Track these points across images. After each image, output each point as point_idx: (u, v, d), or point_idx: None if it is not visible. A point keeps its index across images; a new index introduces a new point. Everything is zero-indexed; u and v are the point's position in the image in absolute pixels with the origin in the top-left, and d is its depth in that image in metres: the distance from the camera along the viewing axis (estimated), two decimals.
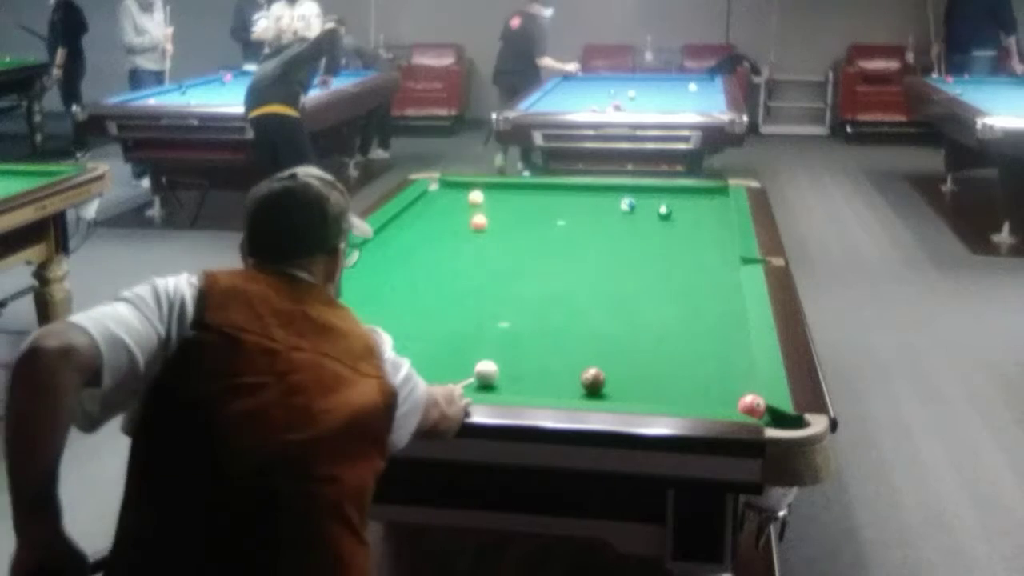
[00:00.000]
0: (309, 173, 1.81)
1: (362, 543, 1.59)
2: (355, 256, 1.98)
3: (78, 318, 1.51)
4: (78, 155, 8.68)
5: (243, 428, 1.50)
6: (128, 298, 1.57)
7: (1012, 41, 8.60)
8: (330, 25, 6.28)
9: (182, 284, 1.61)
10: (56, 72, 8.79)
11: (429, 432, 1.82)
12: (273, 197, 1.77)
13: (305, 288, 1.70)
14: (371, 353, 1.67)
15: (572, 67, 8.43)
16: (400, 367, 1.72)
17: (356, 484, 1.57)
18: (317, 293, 1.72)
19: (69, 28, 8.79)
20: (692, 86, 7.56)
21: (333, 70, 6.78)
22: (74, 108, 6.97)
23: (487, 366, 2.20)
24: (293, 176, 1.80)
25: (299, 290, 1.69)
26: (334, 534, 1.53)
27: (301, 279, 1.71)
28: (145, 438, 1.54)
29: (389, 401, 1.65)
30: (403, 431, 1.71)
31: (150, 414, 1.53)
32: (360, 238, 2.02)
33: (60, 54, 8.73)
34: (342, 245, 1.82)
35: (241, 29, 8.42)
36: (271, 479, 1.49)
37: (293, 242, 1.74)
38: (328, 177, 1.85)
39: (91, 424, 1.52)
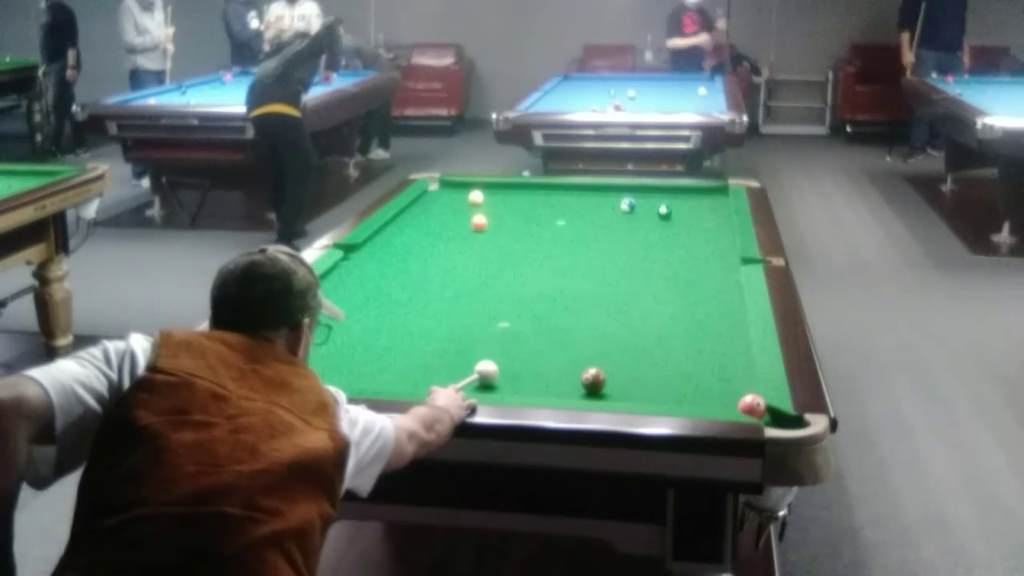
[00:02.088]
0: (279, 249, 1.83)
1: None
2: (325, 335, 1.98)
3: (28, 372, 1.52)
4: (59, 156, 8.72)
5: (189, 456, 1.49)
6: (76, 355, 1.59)
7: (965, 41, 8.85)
8: (329, 24, 6.29)
9: (132, 341, 1.63)
10: (71, 73, 8.89)
11: (416, 457, 1.84)
12: (238, 271, 1.77)
13: (263, 347, 1.70)
14: (325, 409, 1.66)
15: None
16: (357, 422, 1.71)
17: (299, 523, 1.53)
18: (275, 352, 1.72)
19: (68, 29, 8.82)
20: (702, 90, 7.54)
21: (334, 66, 6.79)
22: (74, 108, 6.97)
23: (487, 366, 2.20)
24: (262, 251, 1.81)
25: (256, 349, 1.69)
26: (274, 566, 1.48)
27: (259, 336, 1.71)
28: (93, 467, 1.52)
29: (340, 449, 1.63)
30: (364, 479, 1.73)
31: (100, 444, 1.52)
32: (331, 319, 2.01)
33: (72, 54, 8.84)
34: (307, 321, 1.81)
35: (239, 29, 8.42)
36: (213, 505, 1.46)
37: (255, 314, 1.74)
38: (297, 254, 1.86)
39: (43, 481, 1.55)
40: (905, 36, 8.79)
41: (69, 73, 8.89)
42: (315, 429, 1.61)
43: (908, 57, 8.67)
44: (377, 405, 1.84)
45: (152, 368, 1.57)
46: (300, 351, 1.80)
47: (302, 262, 1.84)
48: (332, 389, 1.73)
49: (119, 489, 1.48)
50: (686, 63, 8.68)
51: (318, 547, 1.58)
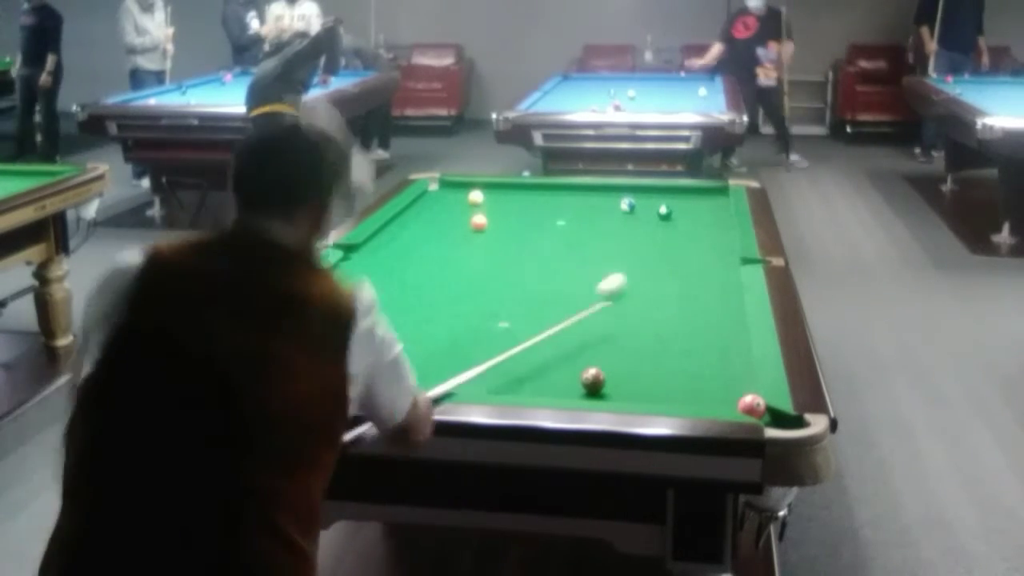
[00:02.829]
0: (315, 119, 1.76)
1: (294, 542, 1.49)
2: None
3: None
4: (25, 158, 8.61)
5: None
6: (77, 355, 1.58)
7: (981, 40, 8.85)
8: (328, 25, 6.29)
9: (102, 292, 1.56)
10: (46, 79, 8.51)
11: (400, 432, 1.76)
12: (266, 138, 1.68)
13: (270, 253, 1.58)
14: (336, 329, 1.55)
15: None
16: (373, 335, 1.60)
17: (299, 495, 1.49)
18: (285, 257, 1.59)
19: (53, 33, 8.58)
20: (702, 90, 7.54)
21: (333, 69, 6.78)
22: (74, 108, 6.96)
23: (612, 282, 2.32)
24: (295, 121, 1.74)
25: (262, 257, 1.58)
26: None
27: (267, 242, 1.59)
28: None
29: (338, 392, 1.55)
30: (383, 396, 1.65)
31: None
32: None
33: (51, 60, 8.51)
34: (336, 199, 1.69)
35: (239, 33, 8.42)
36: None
37: (278, 187, 1.62)
38: (335, 127, 1.78)
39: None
40: (924, 29, 8.83)
41: (44, 78, 8.49)
42: (319, 365, 1.52)
43: (931, 46, 8.66)
44: None
45: (126, 327, 1.51)
46: (324, 229, 1.69)
47: (338, 135, 1.75)
48: (355, 291, 1.62)
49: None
50: (736, 66, 8.40)
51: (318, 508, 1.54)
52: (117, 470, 1.45)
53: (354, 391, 1.58)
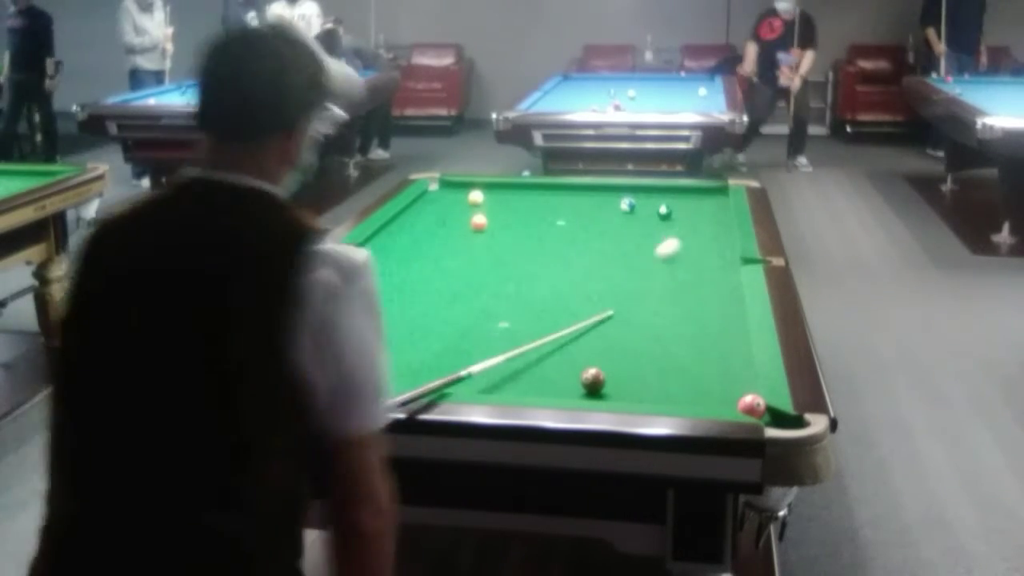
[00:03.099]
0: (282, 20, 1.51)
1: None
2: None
3: None
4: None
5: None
6: None
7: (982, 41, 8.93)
8: (328, 26, 6.29)
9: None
10: (50, 84, 8.48)
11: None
12: (223, 47, 1.43)
13: (227, 199, 1.41)
14: (274, 279, 1.33)
15: None
16: (337, 327, 1.35)
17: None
18: (243, 199, 1.41)
19: (46, 36, 8.50)
20: (702, 90, 7.54)
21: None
22: (74, 108, 6.96)
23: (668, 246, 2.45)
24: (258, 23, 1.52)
25: (219, 203, 1.41)
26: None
27: (224, 184, 1.42)
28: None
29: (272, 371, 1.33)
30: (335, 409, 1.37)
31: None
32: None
33: (51, 64, 8.47)
34: (310, 120, 1.47)
35: None
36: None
37: (240, 113, 1.41)
38: (304, 28, 1.53)
39: None
40: (931, 31, 8.86)
41: (48, 83, 8.48)
42: (247, 336, 1.32)
43: (940, 48, 8.67)
44: None
45: (77, 294, 1.42)
46: (295, 158, 1.47)
47: (308, 41, 1.49)
48: (319, 253, 1.36)
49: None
50: (762, 67, 8.47)
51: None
52: (86, 446, 1.40)
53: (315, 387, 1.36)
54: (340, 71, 1.44)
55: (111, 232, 1.45)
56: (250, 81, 1.40)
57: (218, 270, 1.35)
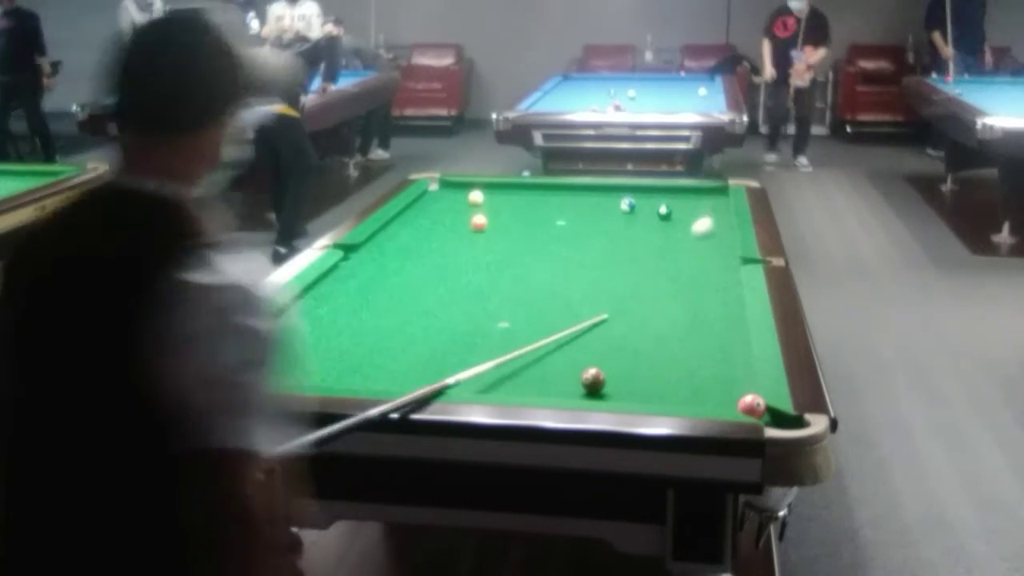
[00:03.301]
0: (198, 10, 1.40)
1: None
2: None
3: None
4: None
5: None
6: None
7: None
8: (329, 29, 6.29)
9: None
10: (47, 82, 8.47)
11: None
12: (136, 37, 1.37)
13: (122, 214, 1.32)
14: (157, 317, 1.23)
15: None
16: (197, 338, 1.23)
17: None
18: (135, 216, 1.31)
19: (36, 36, 8.47)
20: (702, 90, 7.55)
21: (332, 77, 6.78)
22: (74, 107, 6.96)
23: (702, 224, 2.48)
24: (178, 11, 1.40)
25: (128, 216, 1.31)
26: None
27: (133, 193, 1.32)
28: None
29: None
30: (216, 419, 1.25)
31: None
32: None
33: (45, 63, 8.45)
34: (228, 118, 1.36)
35: None
36: None
37: (149, 109, 1.32)
38: (228, 18, 1.41)
39: None
40: (937, 35, 8.85)
41: (46, 82, 8.47)
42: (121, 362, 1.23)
43: (947, 51, 8.68)
44: (375, 405, 1.84)
45: None
46: (208, 163, 1.37)
47: (231, 33, 1.38)
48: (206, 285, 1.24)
49: None
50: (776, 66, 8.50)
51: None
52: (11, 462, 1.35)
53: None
54: (274, 61, 1.35)
55: (20, 245, 1.39)
56: (155, 76, 1.32)
57: (86, 279, 1.29)
